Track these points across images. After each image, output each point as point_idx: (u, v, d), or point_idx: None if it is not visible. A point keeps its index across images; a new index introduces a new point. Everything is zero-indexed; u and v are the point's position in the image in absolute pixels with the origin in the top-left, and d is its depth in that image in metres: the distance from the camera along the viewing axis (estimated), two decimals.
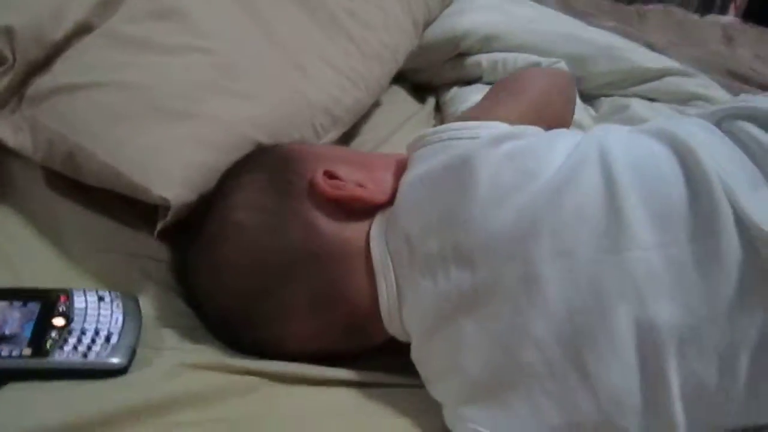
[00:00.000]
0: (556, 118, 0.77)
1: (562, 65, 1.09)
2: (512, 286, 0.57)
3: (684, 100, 1.10)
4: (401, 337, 0.65)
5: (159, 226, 0.70)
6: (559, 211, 0.57)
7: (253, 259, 0.65)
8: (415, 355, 0.63)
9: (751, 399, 0.53)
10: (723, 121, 0.64)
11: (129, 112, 0.73)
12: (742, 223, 0.54)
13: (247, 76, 0.80)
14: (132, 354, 0.60)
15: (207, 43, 0.80)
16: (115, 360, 0.58)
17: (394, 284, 0.63)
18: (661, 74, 1.12)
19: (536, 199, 0.58)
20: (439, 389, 0.61)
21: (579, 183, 0.58)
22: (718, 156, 0.58)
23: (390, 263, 0.63)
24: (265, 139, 0.76)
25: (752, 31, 1.61)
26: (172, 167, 0.70)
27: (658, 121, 0.74)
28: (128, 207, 0.74)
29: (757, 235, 0.53)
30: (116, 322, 0.61)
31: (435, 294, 0.60)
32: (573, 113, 0.85)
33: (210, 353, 0.64)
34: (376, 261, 0.64)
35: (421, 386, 0.63)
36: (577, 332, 0.54)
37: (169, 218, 0.69)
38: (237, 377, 0.62)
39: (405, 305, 0.63)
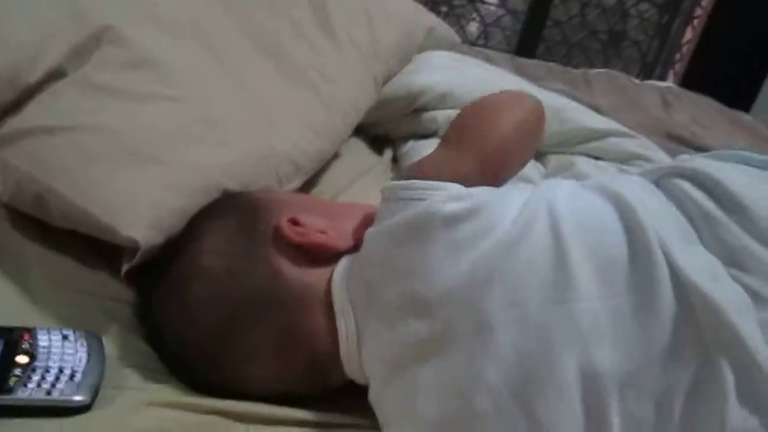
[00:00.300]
0: (519, 160, 0.81)
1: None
2: (467, 335, 0.59)
3: (625, 159, 1.16)
4: (359, 380, 0.67)
5: (125, 267, 0.71)
6: (512, 263, 0.60)
7: (219, 301, 0.67)
8: (373, 398, 0.65)
9: None
10: (661, 179, 0.69)
11: (99, 155, 0.74)
12: (677, 278, 0.57)
13: (217, 125, 0.83)
14: (95, 392, 0.61)
15: (178, 92, 0.83)
16: (78, 398, 0.59)
17: (354, 328, 0.66)
18: (605, 135, 1.18)
19: (490, 252, 0.61)
20: None
21: (530, 237, 0.61)
22: (656, 213, 0.63)
23: (350, 308, 0.66)
24: (232, 185, 0.79)
25: (689, 96, 1.72)
26: (141, 209, 0.71)
27: (601, 178, 0.78)
28: (92, 247, 0.75)
29: (691, 290, 0.57)
30: (80, 361, 0.62)
31: (393, 341, 0.62)
32: (537, 144, 0.88)
33: (172, 393, 0.66)
34: (336, 305, 0.67)
35: (378, 428, 0.64)
36: (527, 378, 0.57)
37: (136, 260, 0.70)
38: (198, 416, 0.63)
39: (364, 349, 0.65)
